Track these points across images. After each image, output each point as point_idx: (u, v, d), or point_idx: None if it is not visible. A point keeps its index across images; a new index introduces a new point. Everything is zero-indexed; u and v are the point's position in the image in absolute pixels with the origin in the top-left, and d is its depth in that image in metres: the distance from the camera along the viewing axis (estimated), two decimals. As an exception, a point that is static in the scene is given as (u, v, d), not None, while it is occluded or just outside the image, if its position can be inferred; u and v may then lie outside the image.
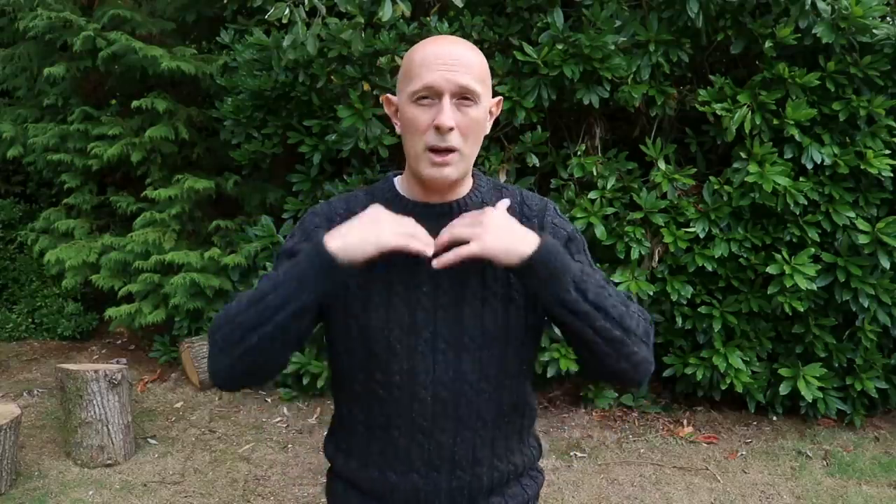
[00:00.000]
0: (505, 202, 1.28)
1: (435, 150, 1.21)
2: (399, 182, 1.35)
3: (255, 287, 1.22)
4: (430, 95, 1.20)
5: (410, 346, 1.26)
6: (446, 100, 1.19)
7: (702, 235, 3.77)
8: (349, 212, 1.30)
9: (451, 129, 1.19)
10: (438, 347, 1.26)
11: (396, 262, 1.26)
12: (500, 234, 1.18)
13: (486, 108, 1.26)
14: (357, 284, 1.28)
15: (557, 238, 1.32)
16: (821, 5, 3.51)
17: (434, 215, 1.29)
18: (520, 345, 1.32)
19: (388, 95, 1.32)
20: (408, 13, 2.98)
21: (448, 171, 1.22)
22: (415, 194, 1.30)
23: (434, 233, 1.26)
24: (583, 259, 1.35)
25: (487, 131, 1.29)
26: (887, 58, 3.65)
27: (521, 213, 1.33)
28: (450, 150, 1.21)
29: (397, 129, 1.29)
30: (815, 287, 3.63)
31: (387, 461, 1.30)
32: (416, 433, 1.27)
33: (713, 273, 3.83)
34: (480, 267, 1.27)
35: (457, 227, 1.20)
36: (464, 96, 1.21)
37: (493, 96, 1.33)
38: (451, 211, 1.29)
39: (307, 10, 3.07)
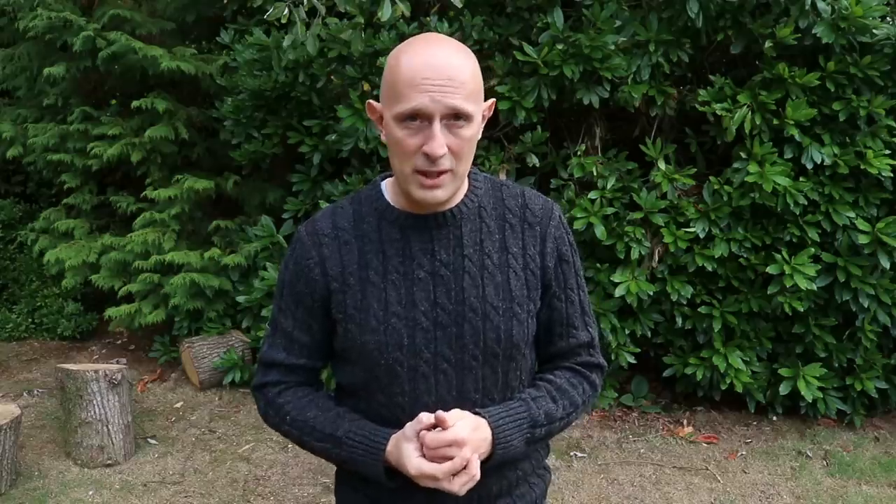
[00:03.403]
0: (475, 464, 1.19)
1: (425, 174, 1.14)
2: (387, 188, 1.28)
3: (276, 361, 1.33)
4: (419, 118, 1.12)
5: (412, 367, 1.22)
6: (437, 125, 1.11)
7: (702, 235, 3.77)
8: (336, 229, 1.27)
9: (443, 155, 1.12)
10: (440, 368, 1.23)
11: (393, 280, 1.23)
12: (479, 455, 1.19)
13: (479, 122, 1.19)
14: (354, 307, 1.24)
15: (553, 255, 1.28)
16: (821, 5, 3.51)
17: (428, 226, 1.24)
18: (522, 357, 1.29)
19: (372, 102, 1.24)
20: (407, 13, 2.98)
21: (439, 192, 1.16)
22: (405, 203, 1.24)
23: (430, 244, 1.23)
24: (571, 280, 1.33)
25: (479, 135, 1.22)
26: (887, 58, 3.65)
27: (522, 218, 1.28)
28: (441, 173, 1.15)
29: (382, 138, 1.21)
30: (815, 287, 3.63)
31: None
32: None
33: (713, 273, 3.83)
34: (479, 282, 1.23)
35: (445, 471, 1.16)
36: (455, 117, 1.13)
37: (491, 96, 1.27)
38: (445, 220, 1.23)
39: (307, 10, 3.07)
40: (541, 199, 1.31)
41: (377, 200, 1.27)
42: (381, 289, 1.23)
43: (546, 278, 1.29)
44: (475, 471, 1.15)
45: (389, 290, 1.22)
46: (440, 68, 1.11)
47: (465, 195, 1.26)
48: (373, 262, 1.24)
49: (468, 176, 1.28)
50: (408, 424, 1.19)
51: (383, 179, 1.31)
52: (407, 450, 1.17)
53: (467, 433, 1.16)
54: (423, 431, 1.16)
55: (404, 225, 1.24)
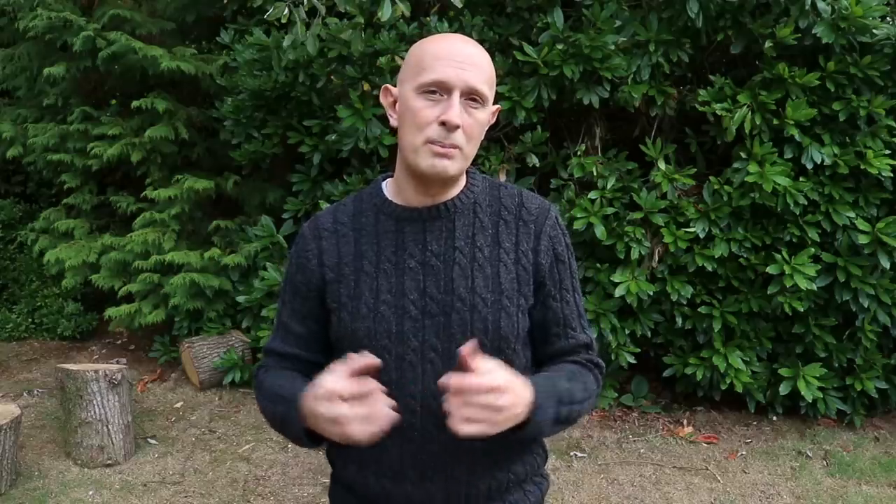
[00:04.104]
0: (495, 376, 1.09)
1: (437, 143, 1.18)
2: (387, 185, 1.32)
3: (272, 350, 1.37)
4: (440, 90, 1.18)
5: (399, 356, 1.23)
6: (456, 96, 1.17)
7: (702, 235, 3.77)
8: (336, 223, 1.31)
9: (458, 126, 1.17)
10: (427, 357, 1.23)
11: (385, 270, 1.25)
12: (511, 414, 1.09)
13: (489, 114, 1.25)
14: (348, 295, 1.26)
15: (548, 253, 1.29)
16: (821, 5, 3.51)
17: (422, 218, 1.26)
18: (512, 352, 1.28)
19: (388, 86, 1.29)
20: (407, 13, 2.98)
21: (448, 164, 1.19)
22: (404, 197, 1.28)
23: (423, 235, 1.25)
24: (567, 281, 1.32)
25: (484, 132, 1.27)
26: (887, 58, 3.65)
27: (517, 216, 1.30)
28: (452, 147, 1.19)
29: (392, 122, 1.26)
30: (815, 287, 3.63)
31: (381, 469, 1.28)
32: (406, 443, 1.24)
33: (713, 273, 3.83)
34: (469, 273, 1.25)
35: (472, 408, 1.06)
36: (472, 97, 1.19)
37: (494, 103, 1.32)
38: (439, 213, 1.26)
39: (307, 10, 3.07)
40: (538, 200, 1.34)
41: (376, 196, 1.31)
42: (374, 278, 1.25)
43: (539, 275, 1.29)
44: (384, 419, 1.07)
45: (381, 279, 1.25)
46: (466, 52, 1.20)
47: (462, 191, 1.29)
48: (368, 253, 1.27)
49: (466, 173, 1.31)
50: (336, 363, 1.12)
51: (384, 179, 1.35)
52: (322, 379, 1.10)
53: (506, 381, 1.07)
54: (457, 376, 1.06)
55: (400, 217, 1.27)
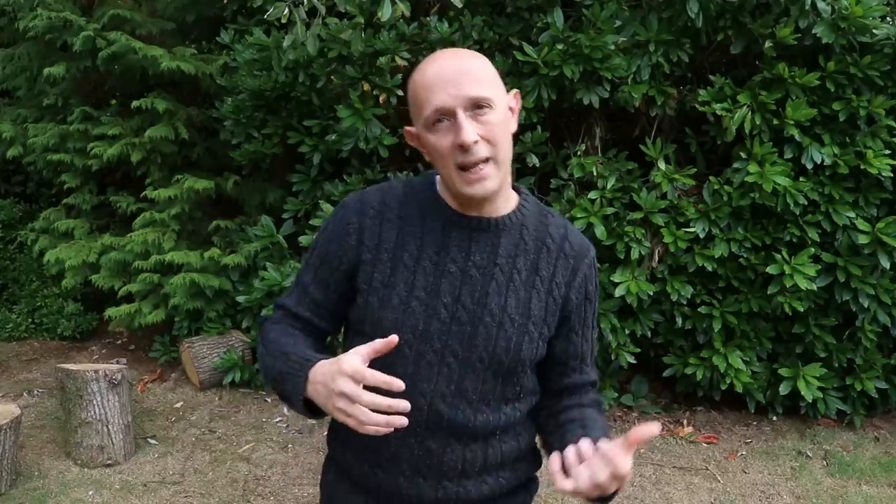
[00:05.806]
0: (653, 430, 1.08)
1: (465, 168, 1.18)
2: (440, 182, 1.32)
3: (284, 305, 1.36)
4: (444, 117, 1.18)
5: (419, 353, 1.24)
6: (461, 116, 1.16)
7: (702, 235, 3.77)
8: (383, 205, 1.29)
9: (476, 142, 1.17)
10: (446, 360, 1.25)
11: (424, 267, 1.25)
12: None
13: (505, 108, 1.23)
14: (381, 282, 1.26)
15: (581, 290, 1.32)
16: (821, 5, 3.51)
17: (470, 227, 1.27)
18: (525, 375, 1.31)
19: (408, 129, 1.29)
20: (407, 13, 2.98)
21: (486, 184, 1.20)
22: (453, 201, 1.28)
23: (468, 244, 1.26)
24: (590, 319, 1.37)
25: (515, 128, 1.25)
26: (887, 58, 3.65)
27: (560, 247, 1.32)
28: (481, 162, 1.18)
29: (427, 158, 1.27)
30: (815, 287, 3.63)
31: (377, 459, 1.30)
32: (407, 437, 1.26)
33: (713, 273, 3.83)
34: (504, 291, 1.26)
35: (597, 476, 1.08)
36: (477, 106, 1.18)
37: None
38: (488, 226, 1.27)
39: (307, 10, 3.07)
40: (580, 237, 1.36)
41: (428, 190, 1.31)
42: (412, 272, 1.25)
43: (567, 309, 1.32)
44: (397, 420, 1.07)
45: (419, 274, 1.25)
46: (451, 67, 1.19)
47: (514, 210, 1.30)
48: (409, 245, 1.27)
49: (519, 193, 1.32)
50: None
51: (437, 174, 1.34)
52: (346, 357, 1.09)
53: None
54: (611, 447, 1.09)
55: (448, 219, 1.28)
